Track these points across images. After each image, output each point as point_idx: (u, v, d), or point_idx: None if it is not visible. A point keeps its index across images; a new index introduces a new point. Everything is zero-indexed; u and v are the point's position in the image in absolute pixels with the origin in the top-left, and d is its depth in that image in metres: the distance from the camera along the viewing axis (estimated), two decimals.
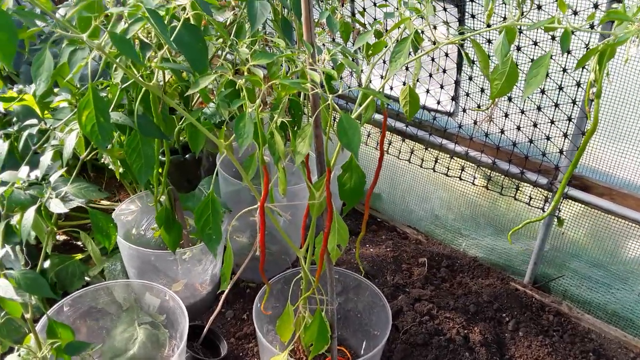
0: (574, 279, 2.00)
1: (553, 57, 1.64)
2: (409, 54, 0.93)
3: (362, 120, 1.22)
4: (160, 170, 1.32)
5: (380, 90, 1.05)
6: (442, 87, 2.00)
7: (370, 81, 1.49)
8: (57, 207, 1.05)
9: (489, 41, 1.77)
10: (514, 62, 0.89)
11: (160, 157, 1.36)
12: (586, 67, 1.64)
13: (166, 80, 1.55)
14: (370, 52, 1.17)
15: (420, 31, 1.04)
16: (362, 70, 1.91)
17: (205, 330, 1.74)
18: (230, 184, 1.93)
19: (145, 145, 0.95)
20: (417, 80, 2.13)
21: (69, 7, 1.04)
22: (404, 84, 2.25)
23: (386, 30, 1.10)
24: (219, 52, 1.37)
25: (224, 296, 1.76)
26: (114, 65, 1.02)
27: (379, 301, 1.58)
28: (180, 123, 1.34)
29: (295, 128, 1.22)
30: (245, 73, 0.92)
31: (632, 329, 1.86)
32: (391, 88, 2.19)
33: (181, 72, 1.09)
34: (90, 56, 0.97)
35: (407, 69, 2.07)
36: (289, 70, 1.10)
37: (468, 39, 0.97)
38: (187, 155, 1.37)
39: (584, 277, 1.97)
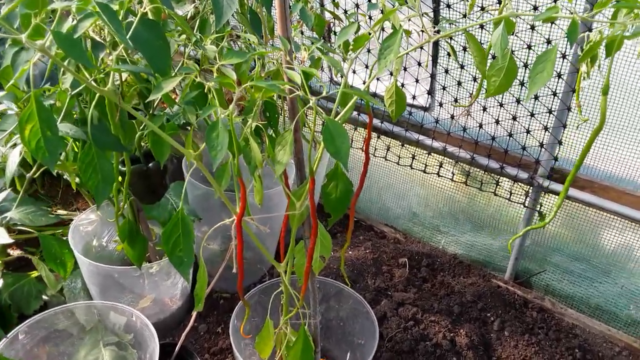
0: (556, 273, 1.97)
1: (532, 48, 1.59)
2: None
3: (341, 118, 1.13)
4: (120, 180, 1.19)
5: (366, 90, 0.95)
6: (417, 80, 1.92)
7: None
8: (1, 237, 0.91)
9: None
10: (512, 57, 0.81)
11: (120, 166, 1.24)
12: (566, 58, 1.60)
13: (123, 79, 1.41)
14: (350, 47, 1.07)
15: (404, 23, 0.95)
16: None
17: (177, 347, 1.62)
18: (197, 189, 1.81)
19: (101, 159, 0.82)
20: (391, 74, 2.05)
21: (7, 3, 0.91)
22: (378, 79, 2.18)
23: (370, 19, 1.00)
24: (181, 49, 1.25)
25: (196, 310, 1.64)
26: (62, 69, 0.89)
27: (362, 308, 1.50)
28: (141, 129, 1.21)
29: (271, 132, 1.12)
30: (215, 74, 0.80)
31: (616, 323, 1.84)
32: (364, 82, 2.10)
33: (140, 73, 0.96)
34: (34, 58, 0.84)
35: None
36: (263, 70, 1.00)
37: (458, 32, 0.88)
38: (150, 164, 1.24)
39: (565, 271, 1.94)
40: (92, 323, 1.63)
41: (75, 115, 0.96)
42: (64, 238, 1.63)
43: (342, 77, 0.97)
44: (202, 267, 1.09)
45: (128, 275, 1.58)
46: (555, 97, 1.63)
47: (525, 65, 1.64)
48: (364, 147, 1.04)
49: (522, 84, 1.67)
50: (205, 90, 0.83)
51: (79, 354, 1.60)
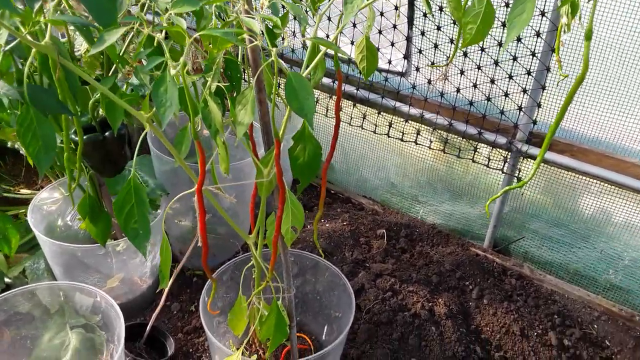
0: (535, 240, 1.95)
1: (508, 4, 1.52)
2: None
3: (311, 82, 1.05)
4: (73, 150, 1.10)
5: (334, 41, 0.88)
6: (392, 44, 1.85)
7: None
8: None
9: None
10: (490, 0, 0.75)
11: (74, 136, 1.14)
12: (545, 15, 1.54)
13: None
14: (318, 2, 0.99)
15: None
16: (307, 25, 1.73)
17: (148, 328, 1.56)
18: (165, 163, 1.72)
19: (42, 124, 0.74)
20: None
21: None
22: (352, 43, 2.09)
23: None
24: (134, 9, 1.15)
25: (167, 288, 1.57)
26: None
27: (339, 281, 1.45)
28: (96, 95, 1.12)
29: (235, 94, 1.04)
30: (165, 24, 0.72)
31: (595, 287, 1.84)
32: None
33: (85, 28, 0.87)
34: None
35: (354, 25, 1.90)
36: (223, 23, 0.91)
37: None
38: (106, 133, 1.15)
39: (544, 238, 1.92)
40: (56, 305, 1.55)
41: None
42: (26, 218, 1.54)
43: (305, 37, 0.90)
44: (165, 242, 1.02)
45: (92, 254, 1.50)
46: (534, 58, 1.57)
47: (504, 25, 1.58)
48: (335, 109, 0.97)
49: (500, 44, 1.60)
50: (155, 43, 0.75)
51: (43, 337, 1.53)
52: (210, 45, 0.92)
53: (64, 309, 1.54)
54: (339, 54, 0.84)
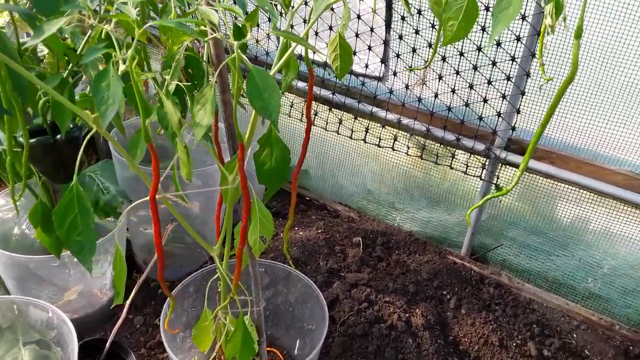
0: (512, 247, 1.91)
1: (488, 8, 1.49)
2: None
3: (282, 85, 0.98)
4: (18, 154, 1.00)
5: (304, 36, 0.81)
6: (370, 48, 1.79)
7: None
8: None
9: None
10: None
11: (22, 139, 1.05)
12: (526, 19, 1.51)
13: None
14: None
15: None
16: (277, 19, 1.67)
17: (107, 343, 1.46)
18: (127, 168, 1.62)
19: None
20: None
21: None
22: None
23: None
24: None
25: (129, 301, 1.47)
26: None
27: (312, 292, 1.38)
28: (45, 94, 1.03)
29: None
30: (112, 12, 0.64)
31: (573, 296, 1.80)
32: (314, 53, 1.95)
33: (30, 19, 0.78)
34: None
35: (330, 28, 1.84)
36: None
37: None
38: (57, 136, 1.06)
39: (522, 245, 1.89)
40: (9, 320, 1.44)
41: None
42: None
43: (273, 31, 0.83)
44: (119, 254, 0.93)
45: (46, 265, 1.40)
46: (514, 63, 1.53)
47: (483, 29, 1.54)
48: (306, 110, 0.90)
49: (479, 48, 1.56)
50: (103, 35, 0.67)
51: None
52: (170, 41, 0.84)
53: (16, 324, 1.43)
54: (315, 55, 0.77)
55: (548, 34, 0.97)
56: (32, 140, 1.04)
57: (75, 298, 1.52)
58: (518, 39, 1.49)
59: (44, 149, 1.04)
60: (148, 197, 0.86)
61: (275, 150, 0.79)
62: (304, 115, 2.09)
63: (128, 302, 1.50)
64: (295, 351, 1.48)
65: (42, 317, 1.43)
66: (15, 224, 1.73)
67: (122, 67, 0.65)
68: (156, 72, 0.78)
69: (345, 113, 1.99)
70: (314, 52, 1.99)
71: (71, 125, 1.11)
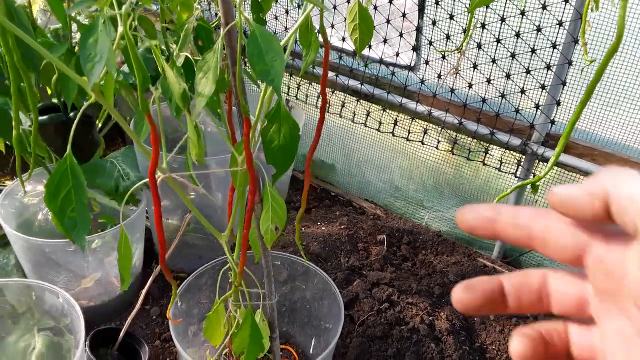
0: None
1: None
2: None
3: (303, 65, 0.92)
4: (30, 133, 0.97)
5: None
6: (401, 35, 1.71)
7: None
8: None
9: None
10: None
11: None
12: (569, 1, 1.40)
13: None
14: None
15: None
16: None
17: (122, 334, 1.43)
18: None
19: None
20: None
21: None
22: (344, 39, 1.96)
23: None
24: None
25: (144, 291, 1.44)
26: None
27: (330, 289, 1.31)
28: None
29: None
30: None
31: None
32: (344, 39, 1.89)
33: None
34: None
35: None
36: None
37: None
38: (72, 114, 1.03)
39: None
40: (25, 305, 1.43)
41: None
42: None
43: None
44: (125, 238, 0.89)
45: (62, 250, 1.37)
46: (555, 50, 1.42)
47: (523, 13, 1.43)
48: (321, 87, 0.83)
49: (517, 35, 1.46)
50: None
51: (10, 338, 1.40)
52: (179, 8, 0.79)
53: (33, 310, 1.42)
54: (345, 43, 0.70)
55: (592, 10, 0.87)
56: (44, 118, 1.01)
57: (92, 286, 1.50)
58: (560, 24, 1.38)
59: (56, 127, 1.01)
60: (143, 181, 0.81)
61: (284, 126, 0.73)
62: (330, 106, 2.03)
63: (144, 292, 1.46)
64: (311, 350, 1.41)
65: (57, 303, 1.41)
66: (39, 210, 1.73)
67: (107, 16, 0.59)
68: (161, 40, 0.73)
69: (373, 105, 1.91)
70: (343, 40, 1.89)
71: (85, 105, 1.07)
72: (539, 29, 1.41)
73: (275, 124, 0.72)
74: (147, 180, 0.81)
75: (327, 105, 2.07)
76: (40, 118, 1.02)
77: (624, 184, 0.27)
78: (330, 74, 1.95)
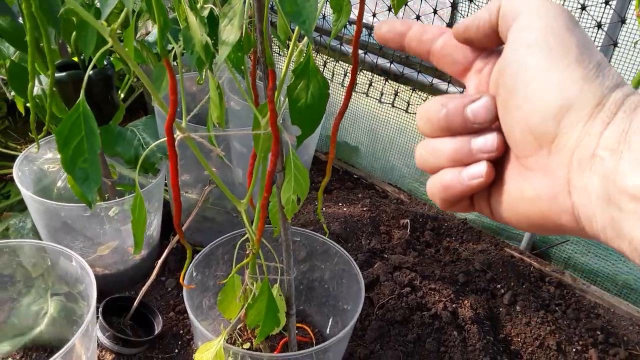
0: (579, 244, 1.71)
1: None
2: None
3: (332, 31, 0.86)
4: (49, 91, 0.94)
5: None
6: (435, 11, 1.63)
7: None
8: None
9: None
10: None
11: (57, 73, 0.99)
12: None
13: None
14: None
15: None
16: None
17: (135, 302, 1.41)
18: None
19: None
20: (406, 4, 1.76)
21: None
22: (390, 9, 1.89)
23: None
24: None
25: (160, 262, 1.42)
26: None
27: (350, 269, 1.26)
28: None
29: None
30: None
31: None
32: (374, 15, 1.82)
33: None
34: None
35: None
36: None
37: None
38: (91, 72, 0.99)
39: (590, 243, 1.68)
40: (39, 269, 1.42)
41: None
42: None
43: None
44: (140, 201, 0.85)
45: (78, 215, 1.35)
46: (600, 30, 1.34)
47: None
48: (353, 45, 0.78)
49: None
50: None
51: (23, 300, 1.40)
52: None
53: (48, 275, 1.41)
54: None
55: None
56: (61, 74, 0.97)
57: (108, 254, 1.48)
58: (607, 2, 1.29)
59: (74, 85, 0.98)
60: (161, 140, 0.76)
61: (313, 83, 0.67)
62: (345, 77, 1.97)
63: (159, 262, 1.44)
64: (328, 330, 1.37)
65: (71, 269, 1.39)
66: (59, 178, 1.72)
67: None
68: None
69: (401, 85, 1.84)
70: (374, 15, 1.79)
71: (105, 63, 1.04)
72: (583, 7, 1.33)
73: (303, 79, 0.67)
74: (164, 140, 0.77)
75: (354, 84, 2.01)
76: (57, 74, 0.99)
77: None
78: (359, 52, 1.88)
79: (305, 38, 0.72)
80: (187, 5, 0.64)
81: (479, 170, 0.34)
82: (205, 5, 0.76)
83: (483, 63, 0.38)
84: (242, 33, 0.68)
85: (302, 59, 0.68)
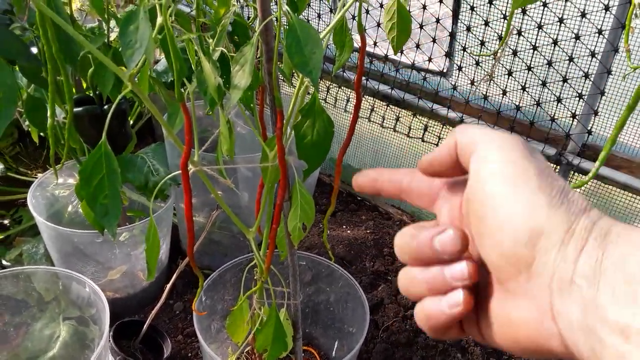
0: None
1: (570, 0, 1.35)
2: None
3: (335, 65, 0.91)
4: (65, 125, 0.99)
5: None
6: (434, 40, 1.69)
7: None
8: None
9: None
10: None
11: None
12: (609, 10, 1.36)
13: None
14: None
15: None
16: None
17: (145, 326, 1.44)
18: (178, 153, 1.61)
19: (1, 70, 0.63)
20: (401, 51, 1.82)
21: None
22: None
23: None
24: None
25: (169, 285, 1.45)
26: None
27: (354, 292, 1.30)
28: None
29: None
30: None
31: None
32: (375, 44, 1.88)
33: None
34: None
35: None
36: None
37: None
38: (106, 106, 1.05)
39: None
40: (52, 293, 1.45)
41: None
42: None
43: None
44: (153, 228, 0.89)
45: (90, 241, 1.40)
46: (594, 59, 1.39)
47: (561, 21, 1.40)
48: (355, 83, 0.83)
49: (555, 42, 1.43)
50: None
51: (36, 325, 1.43)
52: (216, 3, 0.80)
53: (59, 299, 1.44)
54: (375, 48, 0.70)
55: (636, 15, 0.84)
56: (78, 109, 1.02)
57: (118, 278, 1.52)
58: (600, 32, 1.34)
59: (90, 119, 1.03)
60: (174, 173, 0.81)
61: (318, 121, 0.72)
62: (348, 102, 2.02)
63: (168, 286, 1.47)
64: (334, 353, 1.39)
65: (83, 293, 1.43)
66: (70, 203, 1.77)
67: (158, 20, 0.60)
68: (197, 34, 0.73)
69: (402, 110, 1.89)
70: (375, 44, 1.89)
71: (121, 100, 1.09)
72: (577, 37, 1.38)
73: (309, 118, 0.72)
74: (178, 172, 0.82)
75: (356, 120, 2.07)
76: (75, 109, 1.04)
77: (466, 130, 0.36)
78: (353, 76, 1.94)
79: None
80: (200, 49, 0.69)
81: (457, 299, 0.34)
82: (217, 48, 0.81)
83: (451, 192, 0.40)
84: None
85: (308, 100, 0.72)
